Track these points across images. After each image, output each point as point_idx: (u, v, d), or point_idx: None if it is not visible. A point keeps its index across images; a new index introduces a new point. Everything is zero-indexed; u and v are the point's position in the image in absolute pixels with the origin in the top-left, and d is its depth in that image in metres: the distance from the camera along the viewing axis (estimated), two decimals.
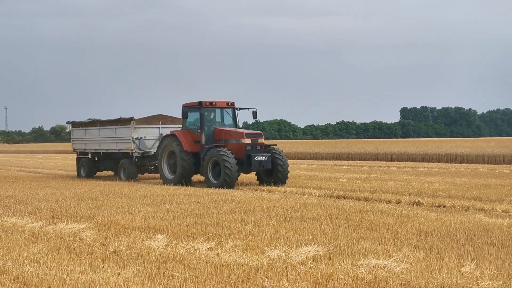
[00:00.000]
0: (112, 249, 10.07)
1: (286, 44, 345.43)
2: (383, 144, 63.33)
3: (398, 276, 7.95)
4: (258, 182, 24.58)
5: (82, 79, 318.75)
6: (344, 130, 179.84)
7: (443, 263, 8.65)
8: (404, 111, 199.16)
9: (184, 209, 15.39)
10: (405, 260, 8.79)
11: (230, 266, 8.62)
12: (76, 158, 33.38)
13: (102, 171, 32.27)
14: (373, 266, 8.46)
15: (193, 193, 20.18)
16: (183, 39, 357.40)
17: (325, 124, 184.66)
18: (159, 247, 10.19)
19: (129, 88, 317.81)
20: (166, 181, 25.17)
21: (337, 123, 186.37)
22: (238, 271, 8.33)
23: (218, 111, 25.54)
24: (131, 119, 28.32)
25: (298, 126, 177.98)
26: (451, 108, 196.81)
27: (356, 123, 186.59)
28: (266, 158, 23.46)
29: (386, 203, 16.87)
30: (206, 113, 24.73)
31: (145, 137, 28.46)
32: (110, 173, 32.42)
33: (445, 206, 16.14)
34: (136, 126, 28.34)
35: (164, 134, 27.27)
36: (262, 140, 24.17)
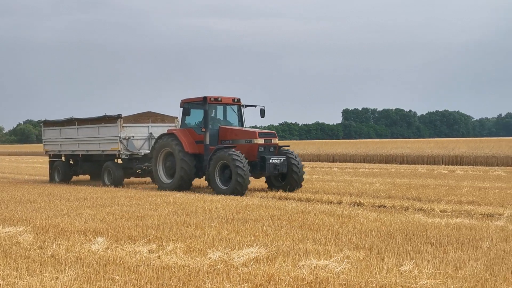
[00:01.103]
0: (50, 253, 9.86)
1: (227, 45, 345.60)
2: (325, 145, 63.89)
3: (339, 276, 8.01)
4: (267, 187, 22.41)
5: (15, 80, 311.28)
6: (287, 131, 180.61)
7: (383, 262, 8.75)
8: (346, 113, 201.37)
9: (125, 211, 15.20)
10: (345, 260, 8.86)
11: (171, 269, 8.54)
12: (49, 161, 30.00)
13: (79, 175, 29.45)
14: (314, 266, 8.50)
15: (134, 195, 19.96)
16: (125, 39, 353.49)
17: (268, 125, 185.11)
18: (99, 250, 10.03)
19: (68, 90, 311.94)
20: (162, 187, 22.59)
21: (280, 124, 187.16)
22: (179, 273, 8.25)
23: (221, 108, 23.05)
24: (119, 116, 25.47)
25: None
26: (392, 109, 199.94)
27: (298, 124, 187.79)
28: (281, 161, 21.09)
29: (328, 204, 17.01)
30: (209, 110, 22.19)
31: (133, 136, 25.75)
32: (87, 177, 29.78)
33: (385, 207, 16.37)
34: (124, 125, 25.52)
35: (153, 133, 25.71)
36: (276, 140, 21.85)
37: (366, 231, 11.72)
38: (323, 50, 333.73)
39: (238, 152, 20.34)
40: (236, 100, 22.88)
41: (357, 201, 17.40)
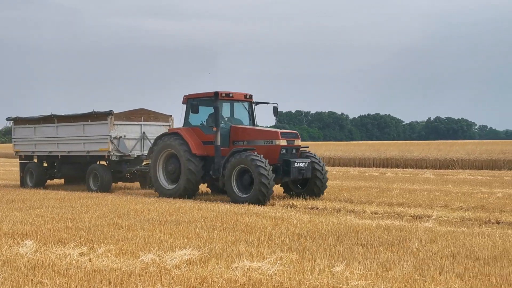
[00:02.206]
0: None
1: (160, 45, 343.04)
2: None
3: (272, 278, 8.03)
4: (284, 193, 20.12)
5: None
6: None
7: (315, 264, 8.83)
8: (279, 115, 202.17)
9: (55, 214, 14.90)
10: (278, 262, 8.89)
11: (103, 272, 8.41)
12: (20, 163, 26.85)
13: (53, 179, 26.64)
14: (247, 268, 8.51)
15: (64, 197, 19.59)
16: (54, 37, 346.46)
17: None
18: (27, 253, 9.79)
19: None
20: (163, 193, 20.10)
21: None
22: (111, 276, 8.13)
23: (228, 105, 20.59)
24: (110, 113, 22.78)
25: None
26: (325, 112, 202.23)
27: None
28: (306, 164, 18.80)
29: (261, 206, 17.06)
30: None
31: (124, 136, 23.06)
32: (60, 181, 27.37)
33: (317, 208, 16.54)
34: (115, 123, 22.92)
35: (145, 133, 23.55)
36: (298, 141, 19.49)
37: (298, 232, 11.80)
38: (256, 51, 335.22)
39: (260, 155, 18.08)
40: (248, 97, 20.67)
41: (290, 203, 17.51)
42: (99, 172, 23.20)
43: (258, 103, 20.98)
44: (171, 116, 24.74)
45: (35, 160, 26.69)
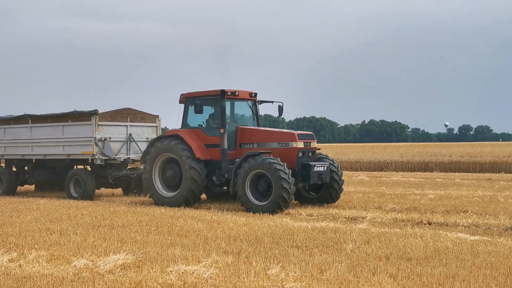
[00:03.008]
0: None
1: (96, 47, 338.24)
2: None
3: (207, 281, 7.99)
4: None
5: None
6: None
7: (251, 266, 8.82)
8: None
9: None
10: (214, 265, 8.86)
11: (33, 278, 8.21)
12: None
13: (24, 185, 24.51)
14: (182, 272, 8.45)
15: None
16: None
17: None
18: None
19: None
20: (161, 201, 18.31)
21: None
22: (42, 282, 7.95)
23: (228, 104, 18.69)
24: (94, 112, 20.69)
25: None
26: (261, 115, 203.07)
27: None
28: (325, 168, 17.36)
29: (197, 209, 16.99)
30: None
31: (110, 138, 21.02)
32: (30, 187, 25.33)
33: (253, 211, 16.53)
34: (100, 123, 20.90)
35: (132, 134, 21.59)
36: (314, 144, 17.99)
37: (234, 235, 11.79)
38: (193, 53, 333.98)
39: (277, 159, 16.56)
40: (253, 95, 19.11)
41: (226, 206, 17.48)
42: (82, 178, 21.16)
43: (262, 101, 19.56)
44: (158, 116, 22.87)
45: (3, 165, 24.69)
